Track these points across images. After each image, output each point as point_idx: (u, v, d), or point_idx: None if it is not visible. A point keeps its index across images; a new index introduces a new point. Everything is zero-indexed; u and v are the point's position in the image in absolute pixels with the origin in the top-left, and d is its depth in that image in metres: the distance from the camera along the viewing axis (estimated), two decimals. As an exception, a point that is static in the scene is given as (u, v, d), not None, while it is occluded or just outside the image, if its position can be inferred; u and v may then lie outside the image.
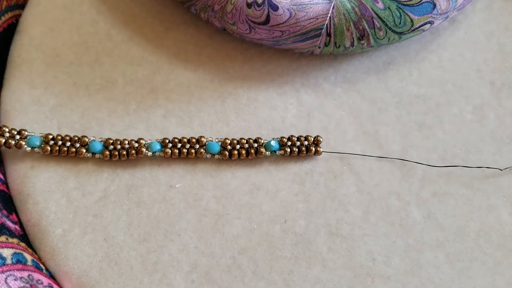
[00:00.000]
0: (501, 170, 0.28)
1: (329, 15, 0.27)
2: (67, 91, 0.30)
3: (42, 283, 0.25)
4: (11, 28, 0.32)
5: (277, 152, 0.28)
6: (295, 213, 0.27)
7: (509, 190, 0.28)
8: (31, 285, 0.24)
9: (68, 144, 0.27)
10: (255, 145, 0.28)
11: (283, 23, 0.28)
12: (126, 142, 0.27)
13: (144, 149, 0.27)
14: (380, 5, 0.28)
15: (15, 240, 0.26)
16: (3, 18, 0.31)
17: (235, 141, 0.28)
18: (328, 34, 0.28)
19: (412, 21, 0.28)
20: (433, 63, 0.31)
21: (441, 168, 0.28)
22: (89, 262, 0.26)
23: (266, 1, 0.27)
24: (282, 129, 0.29)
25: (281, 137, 0.28)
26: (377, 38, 0.28)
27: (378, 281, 0.26)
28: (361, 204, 0.27)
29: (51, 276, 0.26)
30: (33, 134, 0.28)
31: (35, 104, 0.29)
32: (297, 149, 0.28)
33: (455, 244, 0.27)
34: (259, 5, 0.27)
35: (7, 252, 0.25)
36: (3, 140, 0.27)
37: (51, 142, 0.27)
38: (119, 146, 0.27)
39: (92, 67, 0.30)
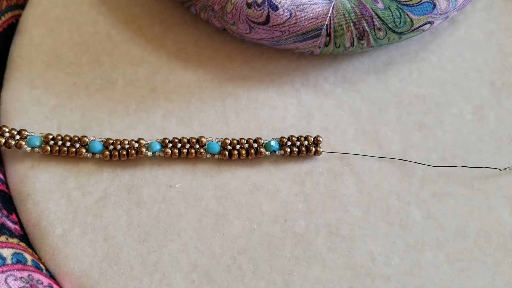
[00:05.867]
0: (501, 170, 0.28)
1: (329, 15, 0.27)
2: (67, 91, 0.30)
3: (42, 283, 0.25)
4: (11, 28, 0.32)
5: (277, 152, 0.28)
6: (295, 213, 0.27)
7: (509, 190, 0.28)
8: (31, 285, 0.24)
9: (68, 144, 0.27)
10: (255, 145, 0.28)
11: (283, 23, 0.28)
12: (126, 142, 0.27)
13: (144, 149, 0.27)
14: (380, 5, 0.28)
15: (15, 240, 0.26)
16: (3, 18, 0.31)
17: (235, 141, 0.28)
18: (328, 34, 0.28)
19: (412, 21, 0.28)
20: (433, 63, 0.31)
21: (441, 168, 0.28)
22: (89, 262, 0.26)
23: (266, 1, 0.27)
24: (282, 129, 0.29)
25: (281, 137, 0.28)
26: (377, 38, 0.28)
27: (378, 281, 0.26)
28: (361, 204, 0.27)
29: (51, 276, 0.26)
30: (33, 134, 0.28)
31: (35, 104, 0.29)
32: (297, 149, 0.28)
33: (455, 244, 0.27)
34: (259, 5, 0.27)
35: (7, 252, 0.25)
36: (3, 140, 0.27)
37: (51, 142, 0.27)
38: (119, 146, 0.27)
39: (92, 67, 0.30)
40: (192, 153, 0.28)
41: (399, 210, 0.27)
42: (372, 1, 0.28)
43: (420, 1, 0.28)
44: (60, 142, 0.27)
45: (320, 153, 0.28)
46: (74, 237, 0.26)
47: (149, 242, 0.26)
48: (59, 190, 0.27)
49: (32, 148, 0.27)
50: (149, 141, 0.28)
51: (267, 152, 0.28)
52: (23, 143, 0.27)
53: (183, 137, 0.28)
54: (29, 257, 0.25)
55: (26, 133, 0.27)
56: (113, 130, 0.29)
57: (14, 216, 0.27)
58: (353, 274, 0.26)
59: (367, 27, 0.28)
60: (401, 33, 0.28)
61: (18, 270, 0.24)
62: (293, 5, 0.27)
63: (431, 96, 0.30)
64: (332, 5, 0.28)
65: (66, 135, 0.28)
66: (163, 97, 0.30)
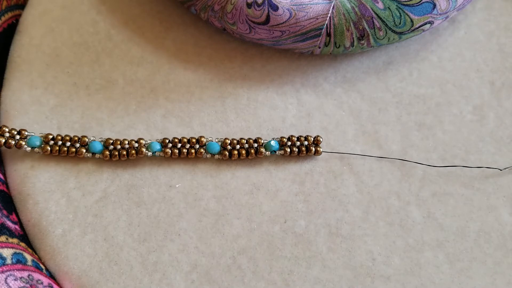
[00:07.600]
0: (501, 170, 0.28)
1: (329, 15, 0.27)
2: (67, 91, 0.30)
3: (42, 283, 0.25)
4: (11, 28, 0.32)
5: (277, 152, 0.28)
6: (295, 213, 0.27)
7: (509, 190, 0.28)
8: (31, 285, 0.24)
9: (68, 144, 0.27)
10: (255, 145, 0.28)
11: (283, 23, 0.28)
12: (126, 142, 0.27)
13: (144, 149, 0.27)
14: (380, 5, 0.28)
15: (15, 240, 0.26)
16: (3, 18, 0.31)
17: (235, 141, 0.28)
18: (328, 34, 0.28)
19: (412, 21, 0.28)
20: (433, 63, 0.31)
21: (441, 168, 0.28)
22: (89, 262, 0.26)
23: (266, 1, 0.27)
24: (282, 129, 0.29)
25: (281, 137, 0.28)
26: (377, 38, 0.28)
27: (378, 281, 0.26)
28: (361, 204, 0.27)
29: (51, 276, 0.26)
30: (33, 134, 0.28)
31: (35, 104, 0.29)
32: (297, 149, 0.28)
33: (455, 244, 0.27)
34: (259, 5, 0.27)
35: (7, 252, 0.25)
36: (3, 140, 0.27)
37: (51, 142, 0.27)
38: (119, 146, 0.27)
39: (92, 67, 0.30)
40: (192, 153, 0.28)
41: (399, 210, 0.27)
42: (372, 1, 0.28)
43: (420, 1, 0.28)
44: (60, 142, 0.27)
45: (320, 153, 0.28)
46: (74, 237, 0.26)
47: (149, 242, 0.26)
48: (59, 190, 0.27)
49: (32, 148, 0.27)
50: (149, 141, 0.28)
51: (267, 152, 0.28)
52: (23, 143, 0.27)
53: (183, 137, 0.28)
54: (29, 257, 0.25)
55: (26, 133, 0.27)
56: (113, 130, 0.29)
57: (14, 216, 0.27)
58: (353, 274, 0.26)
59: (367, 27, 0.28)
60: (401, 33, 0.28)
61: (18, 270, 0.24)
62: (293, 5, 0.27)
63: (431, 96, 0.30)
64: (332, 5, 0.28)
65: (66, 135, 0.28)
66: (163, 97, 0.30)
